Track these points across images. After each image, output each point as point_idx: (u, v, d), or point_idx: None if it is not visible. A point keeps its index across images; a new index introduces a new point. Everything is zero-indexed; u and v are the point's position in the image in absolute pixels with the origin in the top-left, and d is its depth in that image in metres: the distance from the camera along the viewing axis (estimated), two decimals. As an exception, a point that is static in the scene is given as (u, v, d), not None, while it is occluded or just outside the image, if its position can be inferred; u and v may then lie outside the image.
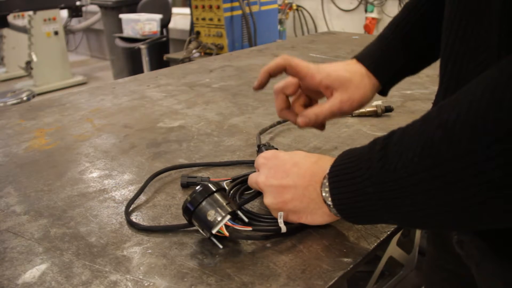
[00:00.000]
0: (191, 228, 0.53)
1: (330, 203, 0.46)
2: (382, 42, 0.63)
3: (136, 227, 0.55)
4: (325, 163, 0.48)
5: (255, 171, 0.56)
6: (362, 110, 0.88)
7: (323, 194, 0.46)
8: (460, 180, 0.32)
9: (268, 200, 0.51)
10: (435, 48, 0.59)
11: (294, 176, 0.49)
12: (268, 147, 0.70)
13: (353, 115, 0.88)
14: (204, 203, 0.49)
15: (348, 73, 0.60)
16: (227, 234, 0.48)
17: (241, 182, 0.60)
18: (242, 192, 0.59)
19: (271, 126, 0.83)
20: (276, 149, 0.69)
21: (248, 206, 0.57)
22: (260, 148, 0.71)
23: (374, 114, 0.88)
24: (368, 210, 0.41)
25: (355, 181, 0.41)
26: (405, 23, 0.61)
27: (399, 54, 0.61)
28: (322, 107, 0.60)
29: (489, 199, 0.31)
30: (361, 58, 0.63)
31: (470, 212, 0.34)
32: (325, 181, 0.46)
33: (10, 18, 4.46)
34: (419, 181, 0.35)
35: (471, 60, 0.40)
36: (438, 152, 0.33)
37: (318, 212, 0.49)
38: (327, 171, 0.46)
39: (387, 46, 0.62)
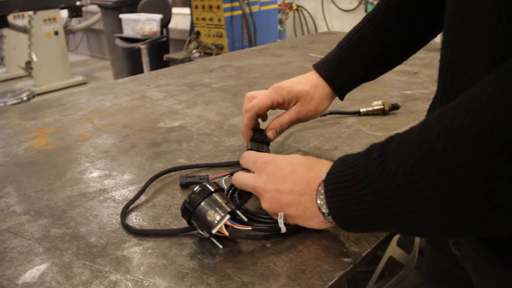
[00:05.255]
0: (187, 233, 0.53)
1: (324, 211, 0.45)
2: (338, 51, 0.68)
3: (131, 231, 0.54)
4: (321, 169, 0.47)
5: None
6: (370, 108, 0.89)
7: (318, 201, 0.46)
8: (463, 189, 0.31)
9: (265, 205, 0.51)
10: (391, 58, 0.67)
11: (290, 183, 0.49)
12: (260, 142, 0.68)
13: (361, 113, 0.89)
14: (203, 203, 0.49)
15: (305, 86, 0.67)
16: (227, 233, 0.48)
17: None
18: (241, 191, 0.59)
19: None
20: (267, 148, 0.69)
21: (247, 206, 0.57)
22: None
23: (382, 112, 0.89)
24: (366, 219, 0.40)
25: (353, 189, 0.40)
26: (359, 35, 0.66)
27: (351, 63, 0.66)
28: (282, 117, 0.68)
29: (493, 208, 0.31)
30: (318, 66, 0.69)
31: (473, 221, 0.33)
32: (320, 188, 0.46)
33: (10, 18, 4.46)
34: (419, 190, 0.34)
35: (462, 66, 0.40)
36: (440, 160, 0.32)
37: (314, 220, 0.48)
38: (323, 177, 0.45)
39: (341, 56, 0.67)
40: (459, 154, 0.31)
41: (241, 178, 0.54)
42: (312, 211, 0.47)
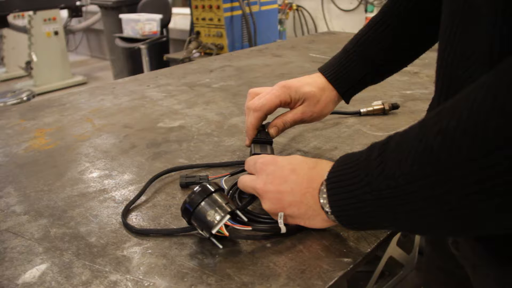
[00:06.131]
0: (188, 233, 0.53)
1: (327, 210, 0.45)
2: (344, 55, 0.68)
3: (133, 230, 0.54)
4: (323, 168, 0.48)
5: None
6: (370, 108, 0.88)
7: (321, 201, 0.46)
8: (460, 188, 0.32)
9: (266, 205, 0.51)
10: (397, 61, 0.67)
11: (291, 183, 0.49)
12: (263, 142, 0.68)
13: (362, 114, 0.88)
14: (203, 203, 0.49)
15: (313, 88, 0.67)
16: (227, 234, 0.48)
17: None
18: (241, 191, 0.59)
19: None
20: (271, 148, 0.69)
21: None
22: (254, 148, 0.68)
23: (382, 112, 0.88)
24: (367, 217, 0.41)
25: (354, 187, 0.41)
26: (365, 39, 0.66)
27: (358, 67, 0.66)
28: (286, 116, 0.68)
29: (490, 207, 0.31)
30: (324, 69, 0.69)
31: (470, 220, 0.33)
32: (322, 187, 0.46)
33: (10, 18, 4.46)
34: (418, 189, 0.34)
35: (459, 66, 0.40)
36: (437, 159, 0.32)
37: (316, 218, 0.48)
38: (325, 177, 0.45)
39: (347, 60, 0.67)
40: (455, 152, 0.31)
41: (243, 181, 0.54)
42: (314, 210, 0.48)
